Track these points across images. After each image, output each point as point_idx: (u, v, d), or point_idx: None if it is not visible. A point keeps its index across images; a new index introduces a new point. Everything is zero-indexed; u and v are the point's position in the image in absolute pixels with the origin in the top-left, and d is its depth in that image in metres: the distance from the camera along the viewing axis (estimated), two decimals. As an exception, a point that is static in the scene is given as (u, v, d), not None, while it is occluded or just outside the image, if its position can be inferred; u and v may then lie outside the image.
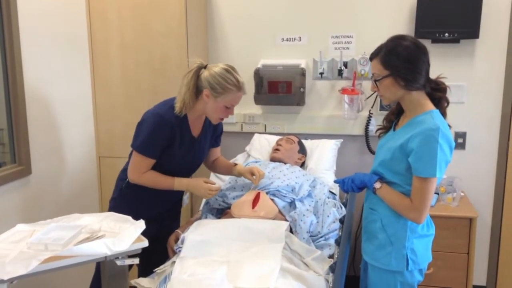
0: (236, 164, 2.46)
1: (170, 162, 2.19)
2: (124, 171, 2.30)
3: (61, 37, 2.66)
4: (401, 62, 1.74)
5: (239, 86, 2.10)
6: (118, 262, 1.65)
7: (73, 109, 2.80)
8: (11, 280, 1.43)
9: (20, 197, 2.39)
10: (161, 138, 2.11)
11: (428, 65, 1.79)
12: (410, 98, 1.81)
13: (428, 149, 1.69)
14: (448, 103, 1.84)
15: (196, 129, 2.24)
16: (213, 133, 2.38)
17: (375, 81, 1.82)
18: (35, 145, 2.45)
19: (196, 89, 2.13)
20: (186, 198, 2.44)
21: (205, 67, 2.13)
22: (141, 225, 1.73)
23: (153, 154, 2.14)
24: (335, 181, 2.08)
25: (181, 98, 2.12)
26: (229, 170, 2.45)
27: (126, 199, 2.29)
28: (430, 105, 1.80)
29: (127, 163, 2.31)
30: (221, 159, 2.51)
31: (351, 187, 1.94)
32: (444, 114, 1.83)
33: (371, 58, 1.84)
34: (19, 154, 2.36)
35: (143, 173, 2.17)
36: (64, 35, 2.69)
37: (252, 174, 2.34)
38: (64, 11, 2.67)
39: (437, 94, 1.82)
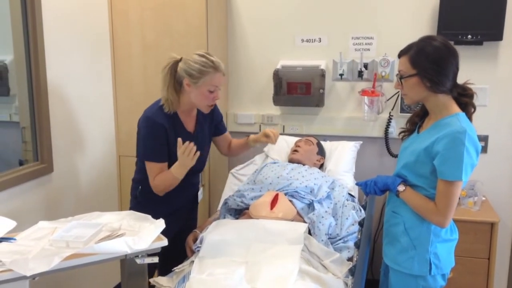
0: (248, 136, 2.45)
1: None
2: (135, 180, 2.31)
3: (84, 37, 2.69)
4: (430, 63, 1.72)
5: (215, 66, 2.08)
6: (138, 261, 1.66)
7: (95, 108, 2.83)
8: (33, 277, 1.45)
9: (42, 195, 2.42)
10: (159, 139, 2.12)
11: (457, 68, 1.76)
12: (435, 101, 1.78)
13: (454, 152, 1.67)
14: (474, 109, 1.81)
15: (190, 125, 2.23)
16: (211, 122, 2.36)
17: (401, 78, 1.80)
18: (57, 143, 2.48)
19: (177, 83, 2.13)
20: (200, 194, 2.46)
21: (180, 60, 2.13)
22: (161, 224, 1.74)
23: (159, 158, 2.13)
24: (357, 184, 2.05)
25: (163, 95, 2.14)
26: (244, 145, 2.47)
27: (142, 205, 2.20)
28: (456, 108, 1.77)
29: (136, 171, 2.31)
30: (234, 141, 2.52)
31: (373, 189, 1.91)
32: (469, 119, 1.79)
33: (399, 55, 1.81)
34: (42, 152, 2.39)
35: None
36: (87, 35, 2.72)
37: (267, 135, 2.32)
38: (87, 11, 2.70)
39: (464, 99, 1.79)
